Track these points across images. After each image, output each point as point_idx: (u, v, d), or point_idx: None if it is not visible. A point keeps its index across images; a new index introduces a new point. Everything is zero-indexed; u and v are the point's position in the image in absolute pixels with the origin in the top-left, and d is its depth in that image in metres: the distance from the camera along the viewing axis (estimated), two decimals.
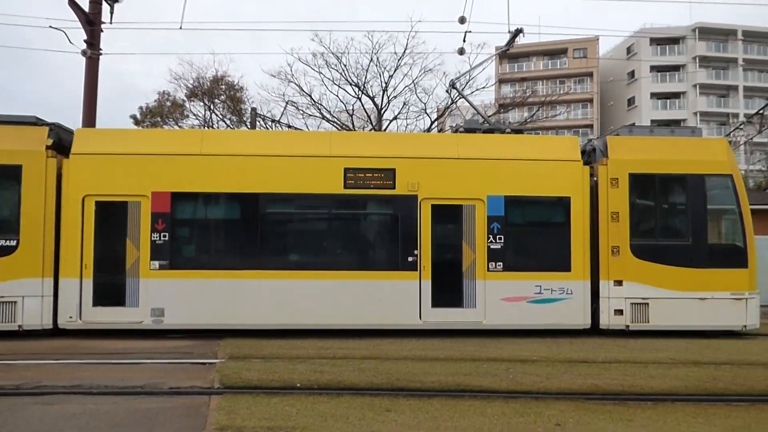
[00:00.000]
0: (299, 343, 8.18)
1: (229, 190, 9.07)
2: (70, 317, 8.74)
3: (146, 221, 8.88)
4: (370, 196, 9.26)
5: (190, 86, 25.83)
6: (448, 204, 9.30)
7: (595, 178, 9.54)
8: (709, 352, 7.91)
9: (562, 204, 9.41)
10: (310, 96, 22.27)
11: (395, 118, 22.39)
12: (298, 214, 9.37)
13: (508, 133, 10.40)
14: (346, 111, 22.34)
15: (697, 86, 52.30)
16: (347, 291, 8.99)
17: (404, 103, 22.50)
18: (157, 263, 8.84)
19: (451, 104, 20.86)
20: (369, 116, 22.28)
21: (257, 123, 19.24)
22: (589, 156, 9.86)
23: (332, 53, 22.61)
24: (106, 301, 8.81)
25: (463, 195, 9.30)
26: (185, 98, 26.61)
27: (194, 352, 7.66)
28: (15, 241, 8.62)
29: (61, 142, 9.10)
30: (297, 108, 22.06)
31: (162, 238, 8.87)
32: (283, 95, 26.20)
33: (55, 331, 8.75)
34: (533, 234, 9.57)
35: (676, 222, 9.85)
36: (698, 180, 9.49)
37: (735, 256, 9.43)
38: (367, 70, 22.41)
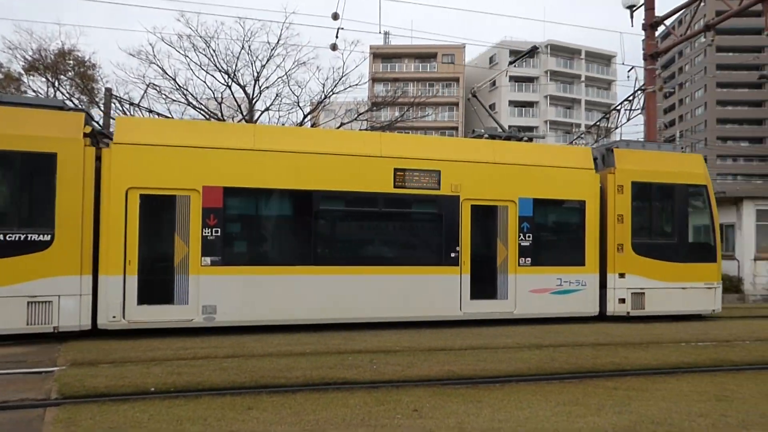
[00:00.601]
0: (156, 344, 7.67)
1: (283, 186, 9.07)
2: (113, 317, 8.22)
3: (196, 216, 8.62)
4: (417, 195, 9.76)
5: (29, 58, 22.87)
6: (485, 204, 10.15)
7: (601, 185, 10.87)
8: (550, 336, 8.82)
9: (579, 207, 10.71)
10: (175, 80, 20.89)
11: (267, 109, 21.86)
12: (349, 211, 9.55)
13: (526, 141, 11.44)
14: (215, 99, 21.31)
15: (548, 97, 58.03)
16: (396, 285, 9.44)
17: (277, 95, 22.07)
18: (208, 259, 8.65)
19: (324, 98, 20.86)
20: (239, 106, 21.48)
21: (112, 105, 17.59)
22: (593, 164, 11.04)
23: (200, 37, 21.44)
24: (152, 299, 8.38)
25: (498, 196, 10.22)
26: (22, 71, 23.50)
27: (28, 360, 6.83)
28: (49, 236, 7.88)
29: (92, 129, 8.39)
30: (159, 92, 20.56)
31: (214, 234, 8.67)
32: (144, 77, 24.29)
33: (94, 332, 8.13)
34: (555, 233, 10.75)
35: (665, 224, 11.34)
36: (683, 189, 11.24)
37: (707, 253, 11.28)
38: (237, 58, 21.58)
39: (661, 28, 17.54)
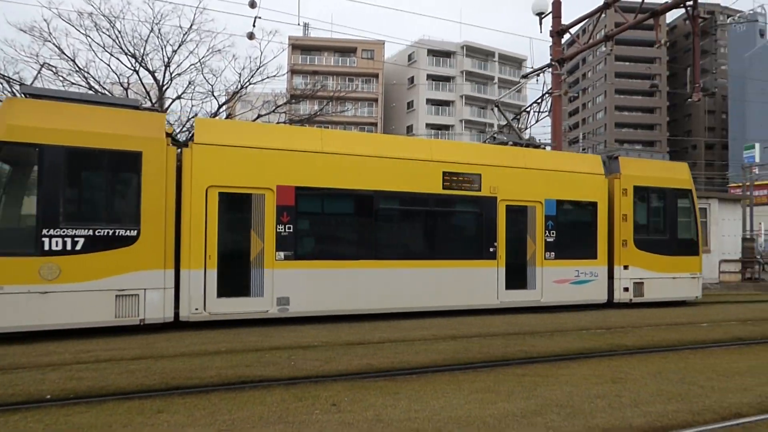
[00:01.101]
0: (52, 348, 7.12)
1: (348, 187, 9.88)
2: (196, 309, 8.72)
3: (271, 213, 9.26)
4: (462, 196, 10.92)
5: None
6: (518, 205, 11.50)
7: (608, 188, 12.52)
8: (464, 327, 9.16)
9: (592, 207, 12.28)
10: (74, 61, 19.35)
11: (179, 97, 20.83)
12: (404, 210, 10.47)
13: (542, 148, 12.83)
14: (120, 84, 20.00)
15: (464, 97, 59.95)
16: (444, 278, 10.52)
17: (190, 83, 21.09)
18: (282, 254, 9.30)
19: (240, 89, 20.23)
20: (148, 92, 20.31)
21: None
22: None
23: (104, 15, 20.00)
24: (230, 292, 8.91)
25: (528, 197, 11.57)
26: None
27: None
28: (135, 231, 8.26)
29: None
30: (56, 73, 18.95)
31: (287, 230, 9.35)
32: (37, 56, 22.27)
33: (175, 324, 8.59)
34: (573, 230, 12.08)
35: (659, 222, 13.06)
36: (673, 192, 13.13)
37: (692, 247, 13.21)
38: (146, 41, 20.37)
39: (566, 36, 18.70)
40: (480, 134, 56.70)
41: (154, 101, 20.37)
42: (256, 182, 9.26)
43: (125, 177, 8.43)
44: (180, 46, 20.82)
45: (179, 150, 8.82)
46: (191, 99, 29.18)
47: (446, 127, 58.25)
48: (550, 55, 18.51)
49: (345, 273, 9.74)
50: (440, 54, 59.73)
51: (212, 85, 24.15)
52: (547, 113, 20.15)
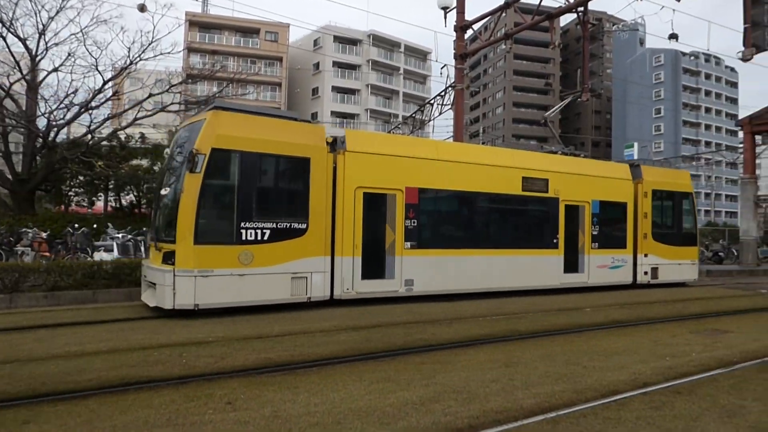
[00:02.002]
0: None
1: (455, 188, 12.25)
2: (347, 288, 10.63)
3: (400, 210, 11.37)
4: (535, 197, 13.46)
5: None
6: (573, 204, 14.19)
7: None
8: (367, 317, 9.24)
9: (623, 206, 15.19)
10: None
11: (56, 69, 18.92)
12: (494, 208, 12.90)
13: (585, 156, 15.80)
14: None
15: (369, 86, 60.26)
16: (522, 263, 13.14)
17: (69, 54, 19.20)
18: (408, 244, 11.41)
19: (129, 64, 18.78)
20: (17, 62, 18.25)
21: None
22: None
23: None
24: (370, 275, 10.93)
25: (580, 198, 14.30)
26: None
27: None
28: (305, 225, 10.08)
29: None
30: None
31: (412, 224, 11.47)
32: None
33: (330, 302, 10.42)
34: (610, 225, 14.90)
35: (669, 219, 16.35)
36: (680, 195, 16.47)
37: (691, 239, 16.79)
38: (16, 4, 18.29)
39: (470, 32, 19.31)
40: (385, 124, 57.34)
41: (24, 72, 18.35)
42: (390, 184, 11.37)
43: (298, 179, 10.28)
44: (58, 12, 18.93)
45: (335, 156, 10.76)
46: (71, 72, 26.64)
47: (351, 116, 58.29)
48: (454, 49, 19.05)
49: (454, 259, 12.12)
50: (347, 41, 59.48)
51: (96, 59, 22.13)
52: (449, 106, 20.79)
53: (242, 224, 9.55)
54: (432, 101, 22.27)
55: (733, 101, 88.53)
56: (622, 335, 8.25)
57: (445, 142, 13.75)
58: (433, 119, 23.09)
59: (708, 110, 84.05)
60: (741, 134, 29.57)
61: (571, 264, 14.05)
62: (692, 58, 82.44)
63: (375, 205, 11.12)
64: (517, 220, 13.29)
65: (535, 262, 13.37)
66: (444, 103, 21.24)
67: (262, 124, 10.00)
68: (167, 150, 11.18)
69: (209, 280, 9.24)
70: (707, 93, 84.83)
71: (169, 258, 9.22)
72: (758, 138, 27.48)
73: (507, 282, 12.80)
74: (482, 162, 12.70)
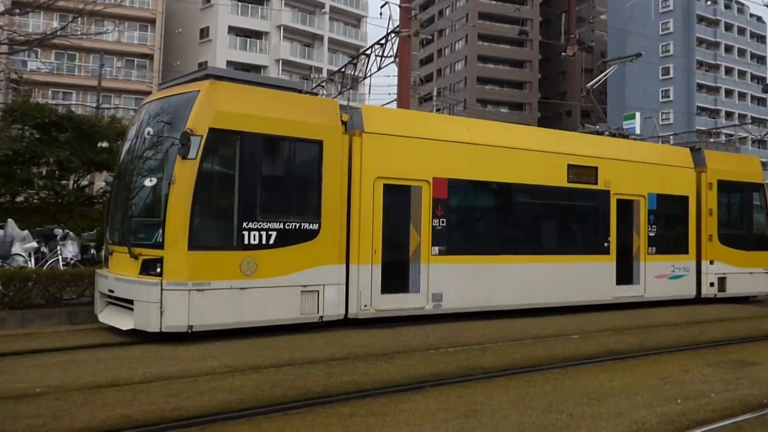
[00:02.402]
0: None
1: (490, 179, 13.01)
2: (365, 305, 11.37)
3: (427, 207, 12.07)
4: (583, 190, 14.36)
5: None
6: (627, 198, 15.05)
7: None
8: (271, 353, 9.12)
9: (684, 201, 16.16)
10: None
11: None
12: (535, 203, 13.82)
13: (632, 138, 17.14)
14: None
15: (282, 28, 59.57)
16: (569, 272, 14.03)
17: None
18: (436, 249, 12.09)
19: None
20: None
21: None
22: None
23: None
24: (392, 288, 11.65)
25: (635, 191, 15.19)
26: None
27: None
28: (317, 225, 10.84)
29: None
30: None
31: (441, 224, 12.14)
32: None
33: (345, 322, 11.29)
34: (670, 224, 15.99)
35: (738, 216, 17.35)
36: (750, 186, 17.36)
37: (764, 242, 17.59)
38: None
39: None
40: (305, 81, 57.05)
41: None
42: (415, 174, 12.02)
43: (308, 167, 10.92)
44: None
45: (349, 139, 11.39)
46: None
47: (257, 68, 57.47)
48: None
49: (489, 268, 12.92)
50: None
51: None
52: (392, 59, 20.81)
53: (244, 224, 10.17)
54: (369, 51, 22.23)
55: (761, 60, 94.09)
56: (619, 371, 8.50)
57: (477, 121, 14.78)
58: (370, 76, 23.07)
59: (729, 71, 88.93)
60: None
61: (625, 273, 15.13)
62: (709, 3, 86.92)
63: (397, 199, 11.94)
64: (562, 218, 14.50)
65: (583, 272, 14.41)
66: (385, 54, 21.25)
67: (265, 98, 10.70)
68: (132, 126, 11.55)
69: (206, 295, 9.77)
70: (728, 49, 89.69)
71: (151, 267, 9.66)
72: None
73: (550, 296, 13.88)
74: (521, 146, 13.70)
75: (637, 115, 50.40)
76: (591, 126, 17.68)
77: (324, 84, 31.91)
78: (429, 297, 12.11)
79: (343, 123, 11.32)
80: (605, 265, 14.71)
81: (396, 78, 19.31)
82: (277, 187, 10.76)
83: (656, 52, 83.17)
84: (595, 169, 14.60)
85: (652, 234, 15.55)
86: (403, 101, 18.51)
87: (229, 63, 54.63)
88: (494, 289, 12.95)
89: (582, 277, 14.27)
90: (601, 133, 16.71)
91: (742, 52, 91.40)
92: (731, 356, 9.67)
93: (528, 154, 13.64)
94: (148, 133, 10.23)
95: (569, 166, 14.20)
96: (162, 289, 9.46)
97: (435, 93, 48.31)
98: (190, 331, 9.64)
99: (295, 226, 10.60)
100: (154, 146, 10.32)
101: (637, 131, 38.83)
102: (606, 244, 14.75)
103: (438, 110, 59.58)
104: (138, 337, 9.76)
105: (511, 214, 13.58)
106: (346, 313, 11.18)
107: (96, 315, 10.92)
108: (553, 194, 14.01)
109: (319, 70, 58.16)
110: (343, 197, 11.20)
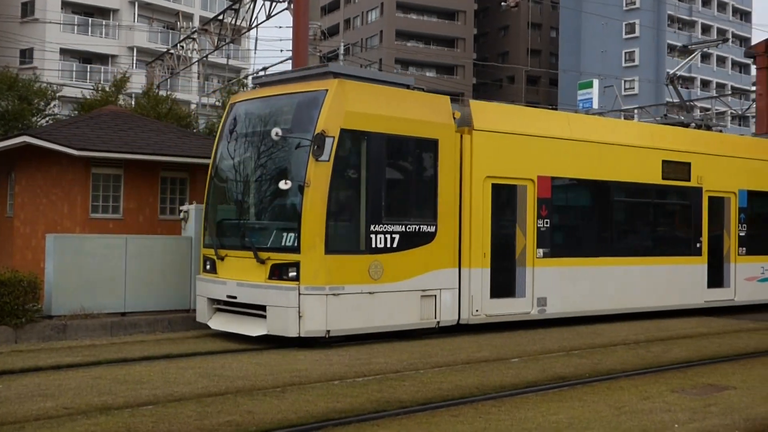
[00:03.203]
0: None
1: (590, 177, 15.64)
2: (477, 310, 13.92)
3: (531, 207, 14.74)
4: (677, 187, 16.93)
5: None
6: (718, 196, 17.44)
7: None
8: (126, 388, 9.09)
9: None
10: None
11: None
12: (632, 202, 16.63)
13: (716, 130, 20.12)
14: None
15: (136, 4, 58.30)
16: (657, 274, 16.55)
17: None
18: (541, 251, 14.78)
19: None
20: None
21: None
22: None
23: None
24: (500, 292, 14.36)
25: (725, 188, 17.57)
26: None
27: None
28: (434, 228, 13.32)
29: None
30: None
31: (545, 225, 14.82)
32: None
33: (456, 328, 13.96)
34: (760, 223, 18.33)
35: None
36: None
37: None
38: None
39: None
40: (169, 30, 55.86)
41: None
42: (521, 172, 14.33)
43: (426, 167, 13.34)
44: None
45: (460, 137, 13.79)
46: None
47: (101, 58, 56.00)
48: None
49: (591, 271, 15.48)
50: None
51: None
52: (285, 4, 20.85)
53: (371, 227, 12.53)
54: None
55: (745, 16, 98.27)
56: (566, 400, 8.90)
57: (577, 115, 17.75)
58: (257, 26, 23.05)
59: (706, 30, 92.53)
60: (754, 70, 32.51)
61: (716, 276, 17.64)
62: None
63: (505, 199, 14.61)
64: (657, 217, 17.31)
65: (676, 274, 17.03)
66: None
67: (385, 96, 13.26)
68: (226, 125, 13.85)
69: (340, 299, 12.17)
70: (705, 2, 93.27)
71: (283, 272, 11.99)
72: None
73: (646, 300, 16.60)
74: (619, 141, 16.37)
75: (595, 83, 51.60)
76: (674, 116, 20.99)
77: (196, 36, 31.53)
78: (534, 302, 14.71)
79: (455, 120, 13.72)
80: (697, 267, 17.35)
81: (291, 30, 19.37)
82: (399, 188, 13.51)
83: (619, 3, 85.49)
84: (689, 165, 17.21)
85: (742, 233, 18.14)
86: (299, 61, 18.55)
87: (63, 51, 52.80)
88: (595, 293, 15.71)
89: (675, 280, 16.94)
90: (687, 125, 19.49)
91: (722, 6, 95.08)
92: (699, 380, 10.27)
93: (625, 149, 16.34)
94: (276, 135, 11.85)
95: (664, 162, 16.82)
96: (300, 294, 11.79)
97: (341, 50, 48.14)
98: (327, 336, 12.10)
99: (415, 228, 13.05)
100: (278, 147, 12.53)
101: (595, 104, 40.07)
102: (698, 245, 17.37)
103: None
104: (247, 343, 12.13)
105: (610, 214, 16.37)
106: (458, 318, 13.72)
107: (200, 322, 13.61)
108: (649, 192, 16.87)
109: (188, 17, 57.34)
110: (456, 198, 13.70)
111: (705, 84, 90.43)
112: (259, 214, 13.04)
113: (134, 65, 56.23)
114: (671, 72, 22.17)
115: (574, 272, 15.28)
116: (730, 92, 72.58)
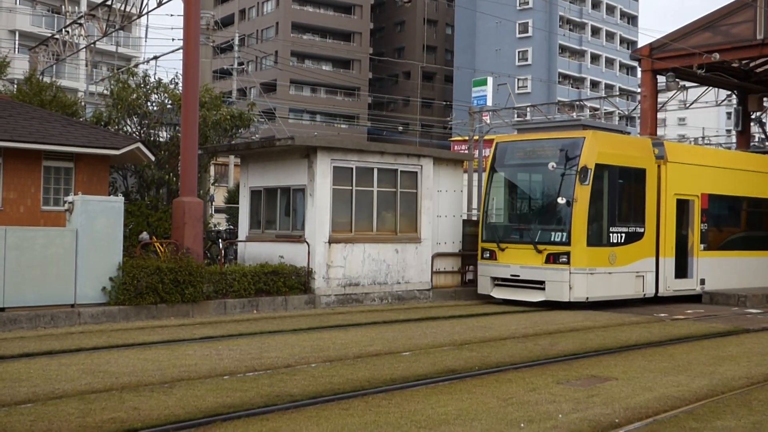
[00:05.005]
0: None
1: (731, 193, 24.07)
2: (668, 287, 21.79)
3: (696, 214, 22.82)
4: None
5: None
6: None
7: None
8: (2, 386, 8.87)
9: None
10: None
11: None
12: (758, 212, 25.48)
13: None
14: None
15: None
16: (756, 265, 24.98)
17: None
18: (702, 246, 22.91)
19: None
20: None
21: None
22: None
23: None
24: (679, 275, 22.24)
25: None
26: None
27: None
28: (643, 229, 21.13)
29: None
30: None
31: (705, 228, 23.07)
32: None
33: (654, 299, 21.63)
34: None
35: None
36: None
37: None
38: None
39: None
40: (55, 15, 54.20)
41: None
42: (692, 190, 22.27)
43: (639, 188, 21.11)
44: None
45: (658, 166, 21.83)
46: None
47: None
48: None
49: (736, 260, 23.52)
50: None
51: None
52: None
53: (610, 229, 20.14)
54: None
55: (632, 20, 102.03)
56: (455, 392, 9.08)
57: (724, 150, 29.13)
58: (147, 13, 22.56)
59: (596, 32, 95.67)
60: (640, 73, 33.78)
61: None
62: None
63: (682, 210, 22.06)
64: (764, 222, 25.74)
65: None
66: None
67: (614, 140, 21.06)
68: (496, 161, 21.71)
69: (594, 277, 19.48)
70: (595, 5, 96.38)
71: (556, 258, 19.13)
72: (661, 80, 31.64)
73: (765, 281, 24.34)
74: (751, 168, 24.85)
75: (490, 80, 52.23)
76: (759, 146, 28.95)
77: (83, 21, 30.73)
78: (698, 281, 22.45)
79: (654, 155, 21.26)
80: None
81: (182, 19, 19.03)
82: (624, 201, 21.10)
83: (513, 2, 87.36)
84: None
85: None
86: (190, 52, 18.23)
87: None
88: (735, 275, 23.39)
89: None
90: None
91: (611, 9, 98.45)
92: (584, 371, 10.68)
93: (754, 174, 24.64)
94: (552, 166, 19.15)
95: None
96: (570, 273, 19.08)
97: (236, 42, 47.71)
98: (586, 300, 19.44)
99: (634, 229, 20.66)
100: (552, 174, 19.55)
101: (489, 102, 40.67)
102: None
103: (240, 64, 59.08)
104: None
105: (744, 219, 24.96)
106: (656, 292, 21.23)
107: (478, 293, 21.24)
108: (765, 204, 25.10)
109: (75, 1, 55.74)
110: (655, 209, 21.19)
111: (594, 84, 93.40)
112: (536, 220, 20.72)
113: (16, 50, 54.62)
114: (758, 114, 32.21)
115: (722, 261, 23.15)
116: (617, 93, 75.01)
